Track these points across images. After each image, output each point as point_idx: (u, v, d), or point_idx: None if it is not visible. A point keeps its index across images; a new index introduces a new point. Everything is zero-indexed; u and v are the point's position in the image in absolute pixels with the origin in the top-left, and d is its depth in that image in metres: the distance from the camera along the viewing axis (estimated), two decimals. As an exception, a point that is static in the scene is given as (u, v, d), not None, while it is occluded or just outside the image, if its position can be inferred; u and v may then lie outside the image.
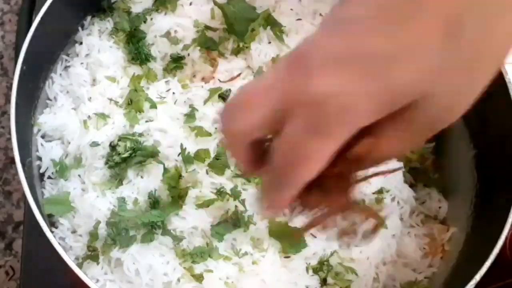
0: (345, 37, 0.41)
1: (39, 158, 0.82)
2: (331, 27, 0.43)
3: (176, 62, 0.87)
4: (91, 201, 0.78)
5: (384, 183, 0.81)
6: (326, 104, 0.40)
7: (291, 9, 0.90)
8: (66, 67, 0.88)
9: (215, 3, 0.87)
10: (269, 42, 0.88)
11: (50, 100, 0.85)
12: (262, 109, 0.43)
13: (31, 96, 0.82)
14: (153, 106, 0.83)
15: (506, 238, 0.70)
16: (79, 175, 0.80)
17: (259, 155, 0.46)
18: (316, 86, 0.40)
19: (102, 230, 0.77)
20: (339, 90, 0.39)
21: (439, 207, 0.85)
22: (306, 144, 0.41)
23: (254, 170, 0.48)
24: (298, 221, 0.77)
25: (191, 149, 0.80)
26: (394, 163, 0.83)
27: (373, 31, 0.40)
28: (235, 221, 0.77)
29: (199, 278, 0.74)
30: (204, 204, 0.78)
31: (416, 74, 0.39)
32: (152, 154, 0.79)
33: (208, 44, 0.87)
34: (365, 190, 0.80)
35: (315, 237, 0.77)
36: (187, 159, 0.79)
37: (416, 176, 0.86)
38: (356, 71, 0.39)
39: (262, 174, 0.47)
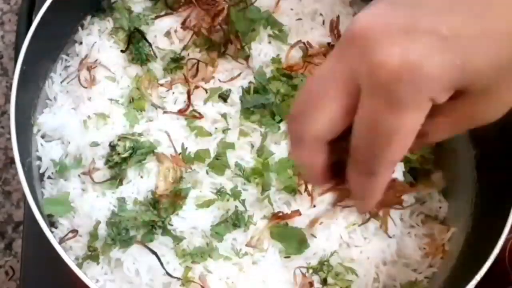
0: (410, 13, 0.39)
1: (39, 158, 0.82)
2: (387, 5, 0.41)
3: (176, 62, 0.87)
4: (91, 201, 0.78)
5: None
6: (402, 73, 0.38)
7: (291, 9, 0.90)
8: (66, 67, 0.88)
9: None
10: (269, 42, 0.88)
11: (50, 100, 0.85)
12: (332, 99, 0.41)
13: (31, 96, 0.82)
14: (154, 105, 0.83)
15: (506, 248, 0.70)
16: (79, 175, 0.80)
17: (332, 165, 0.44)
18: (384, 55, 0.39)
19: (102, 230, 0.77)
20: (415, 57, 0.38)
21: (439, 207, 0.85)
22: (390, 120, 0.39)
23: (328, 180, 0.46)
24: (298, 222, 0.78)
25: (191, 149, 0.80)
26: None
27: (446, 10, 0.39)
28: (235, 221, 0.77)
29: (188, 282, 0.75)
30: (204, 204, 0.78)
31: (494, 60, 0.39)
32: (151, 150, 0.79)
33: (208, 44, 0.87)
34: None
35: (315, 237, 0.77)
36: (188, 159, 0.80)
37: (416, 176, 0.86)
38: (431, 43, 0.38)
39: (339, 182, 0.45)
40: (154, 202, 0.77)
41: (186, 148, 0.80)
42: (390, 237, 0.80)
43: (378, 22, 0.39)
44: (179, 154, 0.80)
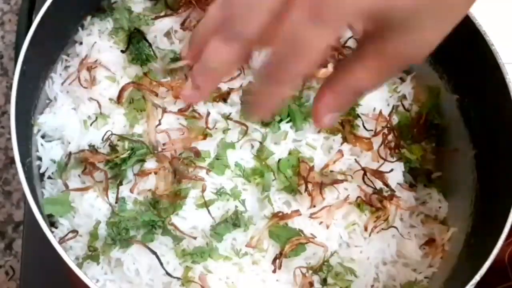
0: None
1: (39, 158, 0.82)
2: None
3: (176, 62, 0.87)
4: (91, 201, 0.78)
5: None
6: None
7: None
8: (66, 67, 0.88)
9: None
10: (269, 42, 0.88)
11: (50, 100, 0.85)
12: (268, 5, 0.45)
13: (31, 96, 0.82)
14: (154, 105, 0.83)
15: (505, 248, 0.70)
16: (79, 175, 0.80)
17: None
18: None
19: (102, 230, 0.77)
20: None
21: (439, 207, 0.85)
22: (306, 32, 0.43)
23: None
24: (299, 223, 0.78)
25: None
26: (393, 164, 0.83)
27: None
28: (235, 221, 0.77)
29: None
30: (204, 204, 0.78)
31: None
32: (151, 150, 0.80)
33: (208, 44, 0.87)
34: (366, 189, 0.81)
35: (315, 237, 0.77)
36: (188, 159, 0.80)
37: (416, 176, 0.86)
38: None
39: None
40: (154, 202, 0.77)
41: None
42: (394, 227, 0.80)
43: None
44: (180, 154, 0.80)
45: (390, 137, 0.84)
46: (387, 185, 0.81)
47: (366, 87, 0.48)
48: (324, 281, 0.77)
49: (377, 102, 0.87)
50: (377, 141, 0.84)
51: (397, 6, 0.43)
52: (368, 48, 0.46)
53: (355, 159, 0.82)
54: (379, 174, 0.81)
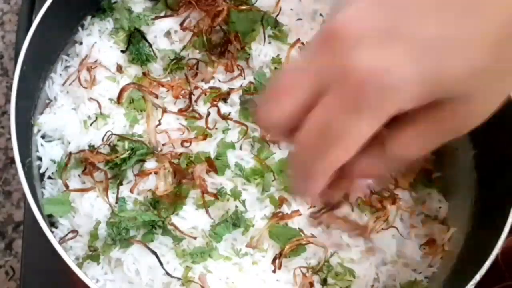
0: (393, 15, 0.39)
1: (39, 158, 0.82)
2: (371, 5, 0.40)
3: (176, 63, 0.87)
4: (91, 201, 0.78)
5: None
6: (368, 80, 0.38)
7: (291, 9, 0.90)
8: (66, 67, 0.88)
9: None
10: (269, 42, 0.88)
11: (50, 100, 0.85)
12: (297, 93, 0.41)
13: (31, 96, 0.82)
14: (154, 106, 0.83)
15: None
16: (79, 175, 0.80)
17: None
18: (356, 60, 0.38)
19: (102, 230, 0.77)
20: (384, 66, 0.38)
21: (439, 207, 0.85)
22: (344, 122, 0.39)
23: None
24: (298, 222, 0.78)
25: (192, 149, 0.80)
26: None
27: (427, 16, 0.38)
28: (235, 221, 0.77)
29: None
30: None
31: (467, 68, 0.39)
32: (151, 150, 0.80)
33: (208, 45, 0.87)
34: (365, 190, 0.80)
35: (315, 237, 0.77)
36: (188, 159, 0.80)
37: (416, 176, 0.86)
38: (404, 50, 0.38)
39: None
40: (154, 202, 0.77)
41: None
42: (394, 227, 0.80)
43: (357, 23, 0.39)
44: (179, 154, 0.80)
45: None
46: (388, 188, 0.81)
47: (411, 155, 0.44)
48: (324, 281, 0.77)
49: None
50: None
51: (456, 85, 0.39)
52: (414, 117, 0.41)
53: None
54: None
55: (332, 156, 0.41)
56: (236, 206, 0.78)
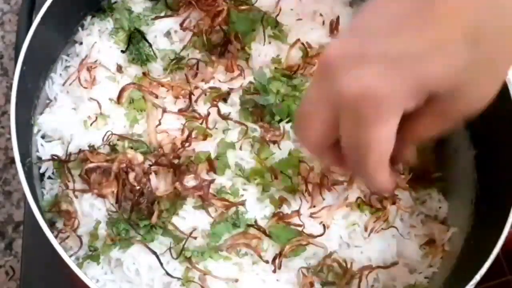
0: (363, 41, 0.46)
1: (39, 158, 0.82)
2: (348, 34, 0.49)
3: (176, 63, 0.87)
4: (91, 201, 0.78)
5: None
6: (360, 100, 0.46)
7: (291, 9, 0.90)
8: (66, 67, 0.88)
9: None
10: (269, 42, 0.88)
11: (50, 100, 0.85)
12: (317, 122, 0.51)
13: (31, 96, 0.82)
14: (154, 106, 0.83)
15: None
16: (79, 175, 0.80)
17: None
18: (344, 85, 0.46)
19: (102, 230, 0.77)
20: (367, 85, 0.45)
21: (439, 207, 0.85)
22: (362, 135, 0.48)
23: (342, 164, 0.55)
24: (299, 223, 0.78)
25: (192, 149, 0.80)
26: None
27: (393, 34, 0.45)
28: (235, 221, 0.77)
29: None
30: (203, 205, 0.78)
31: (447, 68, 0.45)
32: (151, 150, 0.80)
33: (208, 45, 0.87)
34: (365, 189, 0.81)
35: (315, 237, 0.77)
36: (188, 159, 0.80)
37: (416, 176, 0.86)
38: (380, 69, 0.45)
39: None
40: (148, 210, 0.77)
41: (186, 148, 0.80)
42: (394, 227, 0.80)
43: (338, 53, 0.48)
44: (179, 154, 0.80)
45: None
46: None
47: (428, 137, 0.52)
48: (324, 281, 0.77)
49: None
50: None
51: (439, 84, 0.45)
52: (422, 111, 0.48)
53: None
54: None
55: (372, 161, 0.50)
56: (236, 206, 0.78)
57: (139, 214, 0.77)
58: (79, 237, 0.77)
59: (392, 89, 0.45)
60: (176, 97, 0.85)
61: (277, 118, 0.83)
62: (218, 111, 0.83)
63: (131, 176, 0.77)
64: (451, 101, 0.47)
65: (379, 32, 0.46)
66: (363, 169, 0.51)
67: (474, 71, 0.45)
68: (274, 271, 0.76)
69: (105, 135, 0.81)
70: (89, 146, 0.81)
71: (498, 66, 0.47)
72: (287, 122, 0.83)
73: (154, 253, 0.74)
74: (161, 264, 0.74)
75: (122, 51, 0.87)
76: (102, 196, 0.78)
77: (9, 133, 0.75)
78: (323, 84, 0.49)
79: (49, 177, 0.82)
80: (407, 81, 0.45)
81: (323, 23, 0.90)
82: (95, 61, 0.86)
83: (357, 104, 0.46)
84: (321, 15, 0.90)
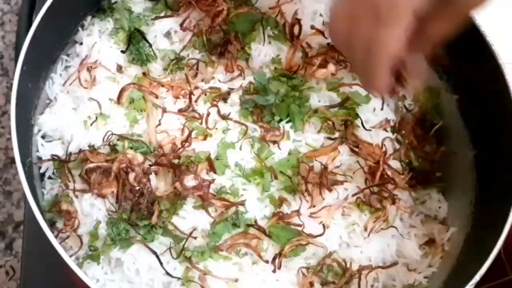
0: None
1: (40, 158, 0.82)
2: None
3: (176, 63, 0.87)
4: (91, 201, 0.78)
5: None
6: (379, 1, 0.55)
7: (291, 10, 0.90)
8: (66, 67, 0.88)
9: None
10: (269, 42, 0.88)
11: (50, 100, 0.85)
12: (349, 18, 0.61)
13: (31, 96, 0.82)
14: (154, 106, 0.83)
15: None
16: (79, 175, 0.80)
17: None
18: None
19: (102, 230, 0.77)
20: None
21: (439, 207, 0.85)
22: (376, 32, 0.56)
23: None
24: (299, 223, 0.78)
25: (192, 149, 0.80)
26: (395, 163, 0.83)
27: None
28: (235, 221, 0.77)
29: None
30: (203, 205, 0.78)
31: None
32: (151, 150, 0.80)
33: (208, 45, 0.87)
34: (366, 191, 0.81)
35: (314, 237, 0.77)
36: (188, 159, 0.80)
37: (416, 176, 0.86)
38: None
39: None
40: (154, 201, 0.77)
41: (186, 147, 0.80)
42: (394, 227, 0.80)
43: None
44: (179, 154, 0.80)
45: (387, 142, 0.85)
46: (387, 188, 0.81)
47: (441, 35, 0.61)
48: (324, 281, 0.77)
49: (376, 103, 0.87)
50: (377, 141, 0.84)
51: None
52: (435, 13, 0.57)
53: (357, 161, 0.82)
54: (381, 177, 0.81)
55: (384, 56, 0.59)
56: (237, 206, 0.78)
57: (139, 214, 0.77)
58: (79, 237, 0.77)
59: None
60: (176, 97, 0.85)
61: (277, 118, 0.83)
62: (218, 111, 0.83)
63: (131, 176, 0.77)
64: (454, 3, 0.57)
65: None
66: (367, 65, 0.60)
67: None
68: (274, 271, 0.76)
69: (105, 135, 0.81)
70: (89, 146, 0.81)
71: None
72: (287, 122, 0.83)
73: (154, 253, 0.74)
74: (161, 264, 0.74)
75: (122, 51, 0.87)
76: (102, 196, 0.78)
77: (9, 133, 0.75)
78: None
79: (49, 177, 0.82)
80: None
81: (323, 23, 0.90)
82: (95, 61, 0.86)
83: (376, 4, 0.55)
84: (321, 15, 0.90)
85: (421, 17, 0.56)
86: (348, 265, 0.77)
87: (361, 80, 0.69)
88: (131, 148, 0.80)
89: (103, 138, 0.81)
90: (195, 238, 0.76)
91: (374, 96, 0.83)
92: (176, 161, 0.79)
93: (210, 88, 0.85)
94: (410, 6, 0.55)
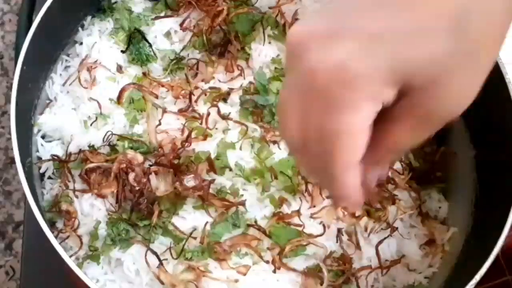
0: (337, 16, 0.41)
1: (40, 158, 0.82)
2: (315, 13, 0.44)
3: (176, 63, 0.87)
4: (91, 201, 0.78)
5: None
6: (330, 79, 0.40)
7: (291, 10, 0.90)
8: (66, 68, 0.88)
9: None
10: (269, 42, 0.88)
11: (50, 100, 0.85)
12: (293, 113, 0.43)
13: (31, 96, 0.82)
14: (154, 106, 0.83)
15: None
16: (79, 175, 0.80)
17: None
18: (312, 62, 0.40)
19: (102, 230, 0.77)
20: (339, 62, 0.39)
21: (439, 207, 0.85)
22: (331, 122, 0.41)
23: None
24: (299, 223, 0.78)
25: (192, 149, 0.80)
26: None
27: (374, 9, 0.40)
28: (235, 221, 0.77)
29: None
30: (203, 205, 0.78)
31: (427, 55, 0.39)
32: (150, 150, 0.80)
33: (208, 45, 0.87)
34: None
35: (315, 237, 0.77)
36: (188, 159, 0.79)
37: (416, 176, 0.86)
38: (355, 45, 0.39)
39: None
40: (148, 210, 0.77)
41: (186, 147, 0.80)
42: (394, 228, 0.80)
43: (305, 31, 0.41)
44: (179, 154, 0.80)
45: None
46: (386, 188, 0.81)
47: (407, 146, 0.45)
48: (324, 281, 0.77)
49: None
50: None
51: (418, 71, 0.40)
52: (399, 110, 0.42)
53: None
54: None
55: (341, 158, 0.42)
56: (237, 207, 0.78)
57: (139, 214, 0.77)
58: (79, 237, 0.77)
59: (368, 67, 0.39)
60: (176, 97, 0.85)
61: (277, 118, 0.83)
62: (218, 111, 0.83)
63: (131, 176, 0.77)
64: (427, 98, 0.41)
65: (357, 7, 0.41)
66: (328, 170, 0.43)
67: (456, 62, 0.40)
68: (274, 271, 0.76)
69: (105, 135, 0.81)
70: (89, 146, 0.81)
71: (481, 58, 0.41)
72: (287, 122, 0.83)
73: (154, 253, 0.74)
74: (161, 264, 0.74)
75: (122, 51, 0.87)
76: (101, 196, 0.78)
77: (9, 133, 0.75)
78: (291, 65, 0.42)
79: (49, 177, 0.82)
80: (386, 61, 0.39)
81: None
82: (95, 61, 0.86)
83: (328, 84, 0.40)
84: (321, 15, 0.90)
85: (382, 118, 0.42)
86: (348, 265, 0.77)
87: (331, 193, 0.48)
88: (131, 148, 0.80)
89: (103, 138, 0.81)
90: (195, 238, 0.76)
91: (354, 211, 0.70)
92: (176, 161, 0.79)
93: (210, 88, 0.85)
94: (374, 85, 0.40)
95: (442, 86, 0.41)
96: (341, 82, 0.39)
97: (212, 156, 0.80)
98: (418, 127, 0.43)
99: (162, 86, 0.85)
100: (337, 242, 0.79)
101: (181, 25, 0.88)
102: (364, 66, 0.39)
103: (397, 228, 0.80)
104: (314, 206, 0.79)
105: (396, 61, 0.39)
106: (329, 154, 0.42)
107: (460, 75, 0.41)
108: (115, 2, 0.90)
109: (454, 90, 0.41)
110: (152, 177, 0.78)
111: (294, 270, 0.76)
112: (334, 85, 0.40)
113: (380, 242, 0.78)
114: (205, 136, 0.81)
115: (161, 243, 0.77)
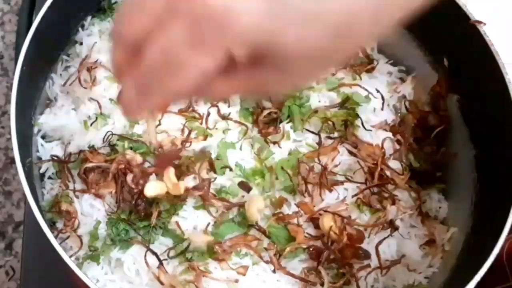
0: None
1: (40, 158, 0.82)
2: None
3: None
4: (91, 201, 0.78)
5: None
6: (211, 16, 0.40)
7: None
8: (66, 67, 0.88)
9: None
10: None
11: (50, 100, 0.86)
12: (150, 11, 0.42)
13: (31, 96, 0.82)
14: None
15: (504, 246, 0.70)
16: (77, 175, 0.80)
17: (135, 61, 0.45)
18: None
19: (102, 230, 0.77)
20: (235, 4, 0.40)
21: (439, 207, 0.85)
22: (183, 53, 0.41)
23: (121, 74, 0.48)
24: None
25: (192, 149, 0.80)
26: (394, 163, 0.83)
27: None
28: (239, 221, 0.77)
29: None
30: (203, 205, 0.78)
31: (301, 43, 0.41)
32: (150, 150, 0.80)
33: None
34: (366, 191, 0.80)
35: (315, 237, 0.77)
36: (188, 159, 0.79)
37: (416, 176, 0.86)
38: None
39: (129, 78, 0.47)
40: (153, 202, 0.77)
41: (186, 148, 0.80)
42: (395, 227, 0.80)
43: None
44: (179, 154, 0.80)
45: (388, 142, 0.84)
46: (386, 189, 0.81)
47: (219, 99, 0.49)
48: (324, 282, 0.77)
49: (377, 103, 0.87)
50: (377, 141, 0.84)
51: (281, 47, 0.41)
52: (238, 70, 0.44)
53: (358, 161, 0.82)
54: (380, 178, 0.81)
55: (170, 83, 0.43)
56: (239, 208, 0.78)
57: (138, 215, 0.77)
58: (79, 237, 0.77)
59: (251, 25, 0.40)
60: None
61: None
62: (218, 111, 0.83)
63: (129, 177, 0.77)
64: (269, 73, 0.43)
65: None
66: (151, 89, 0.44)
67: (317, 57, 0.43)
68: (274, 272, 0.76)
69: (105, 135, 0.81)
70: (89, 147, 0.81)
71: (309, 25, 0.42)
72: (287, 122, 0.83)
73: (154, 253, 0.74)
74: (162, 264, 0.74)
75: (122, 51, 0.87)
76: (99, 196, 0.78)
77: (9, 133, 0.75)
78: None
79: (49, 177, 0.82)
80: (270, 27, 0.40)
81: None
82: (95, 61, 0.86)
83: (205, 19, 0.40)
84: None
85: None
86: (347, 266, 0.77)
87: (128, 92, 0.48)
88: (131, 148, 0.80)
89: (103, 138, 0.81)
90: (195, 238, 0.76)
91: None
92: (176, 161, 0.79)
93: (210, 88, 0.85)
94: (230, 42, 0.41)
95: (286, 71, 0.43)
96: (220, 23, 0.40)
97: (212, 156, 0.80)
98: (240, 87, 0.46)
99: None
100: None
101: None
102: (248, 20, 0.40)
103: (397, 227, 0.80)
104: (314, 207, 0.79)
105: (278, 33, 0.41)
106: (164, 74, 0.43)
107: (306, 69, 0.44)
108: (115, 2, 0.90)
109: (291, 78, 0.44)
110: (152, 178, 0.78)
111: (292, 275, 0.75)
112: (211, 23, 0.40)
113: (380, 242, 0.78)
114: (205, 136, 0.81)
115: (161, 243, 0.77)
